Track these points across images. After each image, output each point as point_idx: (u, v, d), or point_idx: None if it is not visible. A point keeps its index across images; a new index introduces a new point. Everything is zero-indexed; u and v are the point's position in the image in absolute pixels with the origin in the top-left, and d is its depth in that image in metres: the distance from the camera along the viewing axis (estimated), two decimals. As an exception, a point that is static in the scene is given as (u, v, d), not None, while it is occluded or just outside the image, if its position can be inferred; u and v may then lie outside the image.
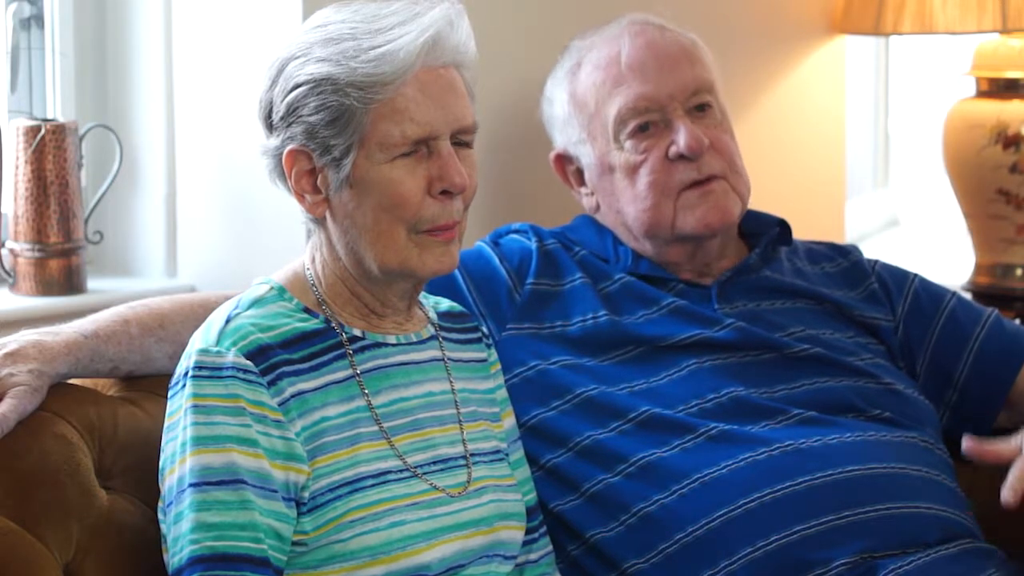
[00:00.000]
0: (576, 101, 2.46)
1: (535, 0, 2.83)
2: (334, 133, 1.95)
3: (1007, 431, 2.50)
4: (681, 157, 2.39)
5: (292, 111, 1.96)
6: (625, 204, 2.42)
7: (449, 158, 1.97)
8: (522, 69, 2.75)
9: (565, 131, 2.48)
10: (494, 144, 2.75)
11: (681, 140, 2.38)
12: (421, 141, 1.96)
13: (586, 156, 2.46)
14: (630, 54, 2.42)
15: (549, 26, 2.79)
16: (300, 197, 2.00)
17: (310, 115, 1.95)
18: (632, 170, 2.41)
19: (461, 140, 2.00)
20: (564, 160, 2.51)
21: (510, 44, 2.77)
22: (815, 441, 2.23)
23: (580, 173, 2.49)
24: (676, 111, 2.40)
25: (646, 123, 2.40)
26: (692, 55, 2.45)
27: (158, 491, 1.95)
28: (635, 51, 2.43)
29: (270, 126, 2.00)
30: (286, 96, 1.96)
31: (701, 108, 2.42)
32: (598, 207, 2.48)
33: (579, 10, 2.79)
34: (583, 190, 2.49)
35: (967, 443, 2.22)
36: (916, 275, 2.54)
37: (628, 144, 2.41)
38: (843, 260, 2.54)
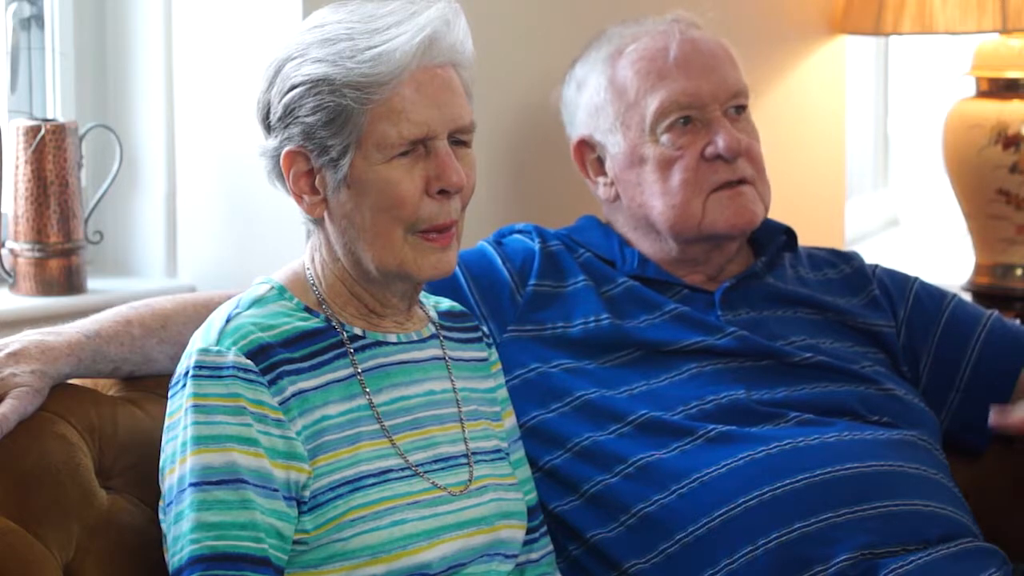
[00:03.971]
0: (615, 88, 2.45)
1: (541, 1, 2.83)
2: (331, 134, 1.95)
3: (1009, 438, 2.51)
4: (718, 157, 2.40)
5: (289, 112, 1.96)
6: (652, 198, 2.42)
7: (446, 158, 1.97)
8: (528, 69, 2.75)
9: (595, 117, 2.47)
10: (499, 144, 2.75)
11: (720, 141, 2.39)
12: (418, 141, 1.96)
13: (615, 145, 2.45)
14: (679, 49, 2.43)
15: (556, 27, 2.79)
16: (298, 198, 2.00)
17: (307, 116, 1.95)
18: (666, 165, 2.41)
19: (459, 139, 2.00)
20: (585, 147, 2.50)
21: (517, 45, 2.77)
22: (814, 439, 2.24)
23: (600, 162, 2.48)
24: (715, 111, 2.41)
25: (685, 118, 2.41)
26: (732, 59, 2.47)
27: (158, 491, 1.94)
28: (684, 47, 2.43)
29: (268, 127, 2.00)
30: (283, 97, 1.96)
31: (737, 111, 2.44)
32: (616, 197, 2.46)
33: (585, 11, 2.79)
34: (601, 179, 2.48)
35: (993, 415, 2.22)
36: (916, 278, 2.55)
37: (665, 138, 2.41)
38: (845, 266, 2.54)
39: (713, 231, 2.40)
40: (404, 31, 1.94)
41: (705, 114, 2.41)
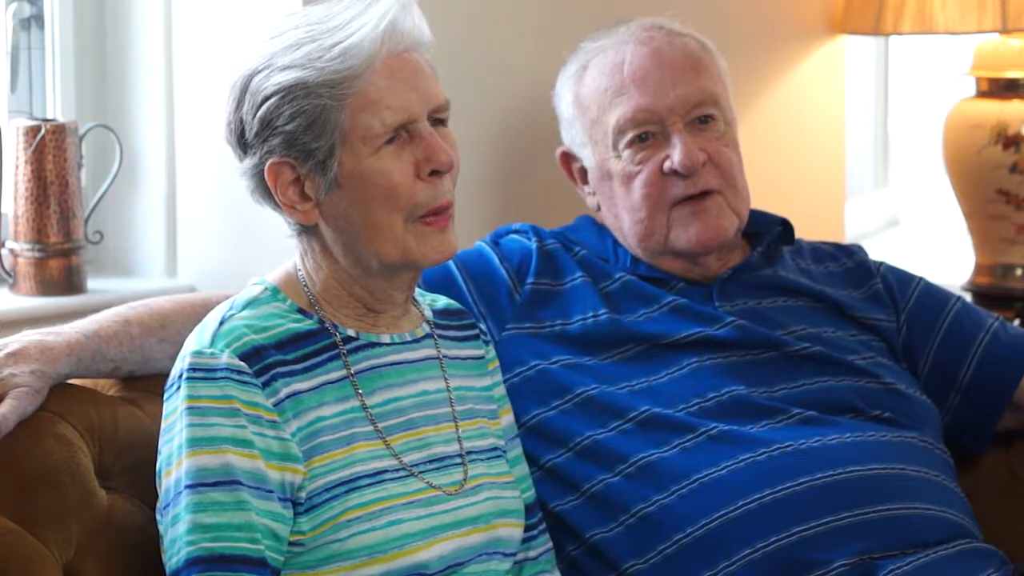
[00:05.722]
0: (580, 104, 2.45)
1: (540, 0, 2.83)
2: (314, 137, 1.94)
3: (1011, 433, 2.51)
4: (675, 172, 2.38)
5: (267, 124, 1.95)
6: (621, 211, 2.42)
7: (431, 138, 1.97)
8: (525, 69, 2.75)
9: (570, 131, 2.48)
10: (495, 144, 2.75)
11: (676, 156, 2.37)
12: (401, 126, 1.96)
13: (587, 159, 2.46)
14: (633, 63, 2.41)
15: (554, 26, 2.79)
16: (289, 209, 1.99)
17: (286, 124, 1.94)
18: (628, 180, 2.41)
19: (437, 119, 2.00)
20: (569, 158, 2.51)
21: (514, 44, 2.77)
22: (815, 442, 2.23)
23: (584, 172, 2.49)
24: (675, 124, 2.39)
25: (644, 134, 2.39)
26: (699, 65, 2.43)
27: (158, 492, 1.95)
28: (639, 60, 2.41)
29: (244, 146, 1.99)
30: (257, 111, 1.95)
31: (703, 121, 2.41)
32: (599, 207, 2.48)
33: (584, 10, 2.79)
34: (587, 188, 2.49)
35: None
36: (921, 278, 2.54)
37: (626, 153, 2.40)
38: (847, 260, 2.54)
39: (678, 248, 2.39)
40: (366, 21, 1.94)
41: (664, 127, 2.39)
